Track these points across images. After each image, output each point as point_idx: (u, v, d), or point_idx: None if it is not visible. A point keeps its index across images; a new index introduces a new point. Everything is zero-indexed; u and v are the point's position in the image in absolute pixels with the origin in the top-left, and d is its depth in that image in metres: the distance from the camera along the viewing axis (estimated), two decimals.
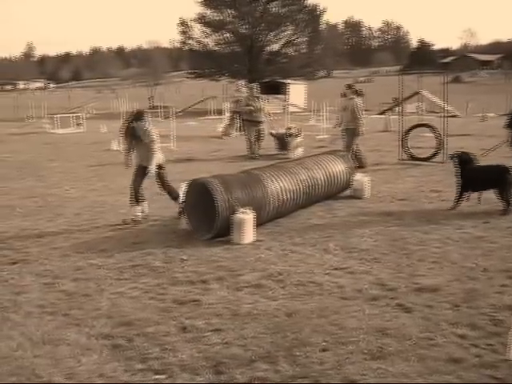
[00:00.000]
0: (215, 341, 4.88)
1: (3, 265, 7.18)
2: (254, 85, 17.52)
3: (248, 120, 16.69)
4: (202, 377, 4.30)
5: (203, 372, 4.37)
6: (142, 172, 9.17)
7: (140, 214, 9.23)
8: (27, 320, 5.48)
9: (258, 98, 16.81)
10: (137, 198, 9.24)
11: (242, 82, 24.78)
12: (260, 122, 16.50)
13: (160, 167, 9.22)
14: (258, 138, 16.59)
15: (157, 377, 4.34)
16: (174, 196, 9.38)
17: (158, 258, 7.25)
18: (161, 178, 9.34)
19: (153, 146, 8.99)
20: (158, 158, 9.17)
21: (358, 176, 10.73)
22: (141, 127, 8.99)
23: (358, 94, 14.29)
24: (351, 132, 13.56)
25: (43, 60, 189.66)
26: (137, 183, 9.25)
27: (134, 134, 9.00)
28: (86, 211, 10.05)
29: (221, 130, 24.07)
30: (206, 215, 8.04)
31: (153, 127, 9.22)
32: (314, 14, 58.48)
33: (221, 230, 7.83)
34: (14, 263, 7.24)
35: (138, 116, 9.16)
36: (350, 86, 14.21)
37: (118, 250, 7.58)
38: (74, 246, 7.95)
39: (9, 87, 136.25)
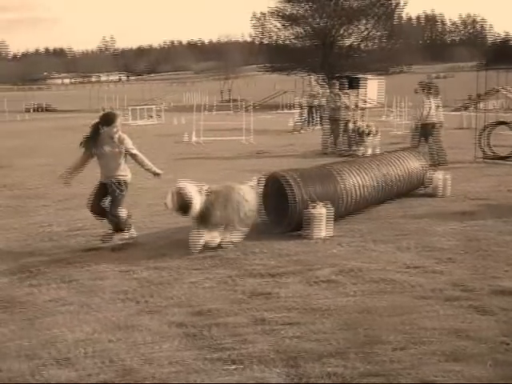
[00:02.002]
0: (288, 334, 4.87)
1: (80, 251, 7.42)
2: (337, 81, 17.05)
3: (327, 117, 16.37)
4: (274, 369, 4.31)
5: (275, 365, 4.37)
6: (103, 189, 7.61)
7: (126, 237, 7.69)
8: (104, 306, 5.64)
9: (340, 94, 16.30)
10: (100, 214, 7.65)
11: (315, 77, 24.56)
12: (338, 120, 16.03)
13: (125, 186, 7.64)
14: (336, 135, 16.15)
15: (229, 367, 4.38)
16: (118, 227, 7.65)
17: (231, 249, 7.32)
18: (116, 200, 7.54)
19: (137, 157, 7.69)
20: (127, 175, 7.71)
21: (434, 174, 10.51)
22: (111, 134, 7.35)
23: (430, 90, 13.93)
24: (421, 128, 13.45)
25: (120, 53, 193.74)
26: (116, 210, 7.51)
27: (100, 143, 7.37)
28: (160, 202, 10.17)
29: (293, 124, 24.03)
30: (280, 209, 8.05)
31: (125, 135, 7.63)
32: (391, 8, 57.44)
33: (294, 225, 7.83)
34: (91, 250, 7.45)
35: (107, 120, 7.44)
36: (421, 83, 13.99)
37: None
38: (147, 235, 8.12)
39: (87, 79, 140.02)
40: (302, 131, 22.54)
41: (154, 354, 4.58)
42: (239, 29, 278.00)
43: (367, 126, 15.90)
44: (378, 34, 56.52)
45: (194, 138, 19.45)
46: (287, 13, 56.00)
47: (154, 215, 9.29)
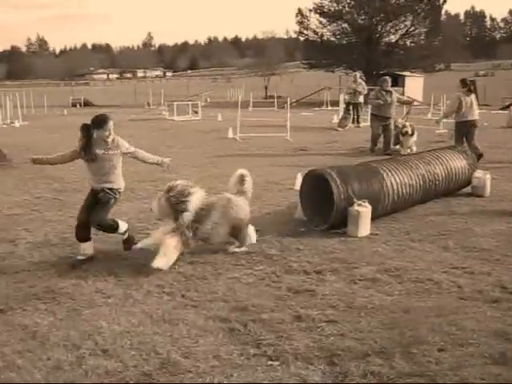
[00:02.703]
0: (330, 332, 4.86)
1: (122, 244, 7.48)
2: (387, 78, 16.61)
3: (375, 114, 15.99)
4: (316, 367, 4.30)
5: (317, 362, 4.37)
6: (95, 198, 7.00)
7: (88, 251, 6.96)
8: (147, 298, 5.70)
9: (389, 91, 15.79)
10: (85, 234, 6.96)
11: (359, 74, 24.32)
12: (388, 118, 15.59)
13: (118, 194, 7.10)
14: (385, 134, 15.69)
15: (271, 363, 4.38)
16: (112, 231, 7.10)
17: (274, 246, 7.32)
18: (105, 208, 6.94)
19: (137, 154, 7.26)
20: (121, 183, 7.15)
21: (479, 173, 10.33)
22: (103, 137, 6.79)
23: (469, 89, 13.65)
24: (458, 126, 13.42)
25: (161, 49, 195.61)
26: (101, 219, 6.86)
27: (92, 146, 6.77)
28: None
29: (337, 121, 23.89)
30: (322, 206, 8.02)
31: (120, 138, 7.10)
32: (435, 4, 56.58)
33: (336, 222, 7.79)
34: (135, 243, 7.52)
35: (98, 122, 6.84)
36: (462, 81, 13.75)
37: None
38: None
39: (129, 75, 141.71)
40: (345, 128, 22.38)
41: (197, 348, 4.61)
42: (283, 25, 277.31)
43: (403, 127, 15.64)
44: (420, 30, 55.75)
45: (237, 134, 19.50)
46: (332, 9, 55.67)
47: None
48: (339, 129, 22.27)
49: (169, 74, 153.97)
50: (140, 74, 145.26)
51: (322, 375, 4.20)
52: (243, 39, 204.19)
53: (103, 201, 6.87)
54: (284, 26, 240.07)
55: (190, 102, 33.17)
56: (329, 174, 7.92)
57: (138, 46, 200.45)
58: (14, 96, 31.59)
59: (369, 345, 4.62)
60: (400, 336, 4.78)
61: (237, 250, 7.07)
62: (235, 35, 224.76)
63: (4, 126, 26.40)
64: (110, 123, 6.86)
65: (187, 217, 6.59)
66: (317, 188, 8.15)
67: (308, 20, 58.09)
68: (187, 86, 59.74)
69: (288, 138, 18.85)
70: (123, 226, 7.16)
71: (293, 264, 6.61)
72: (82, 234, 6.92)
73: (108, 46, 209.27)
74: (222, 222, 6.83)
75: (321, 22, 57.31)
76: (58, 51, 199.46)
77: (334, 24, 56.59)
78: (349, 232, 7.73)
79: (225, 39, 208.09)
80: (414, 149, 15.35)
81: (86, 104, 47.86)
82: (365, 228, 7.72)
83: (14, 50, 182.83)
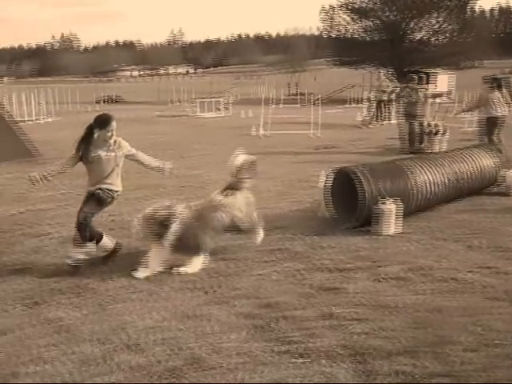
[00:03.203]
0: (356, 330, 4.83)
1: None
2: (414, 76, 16.36)
3: (403, 113, 15.78)
4: (342, 365, 4.27)
5: (343, 360, 4.34)
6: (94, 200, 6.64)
7: (82, 256, 6.55)
8: (172, 294, 5.73)
9: (416, 89, 15.56)
10: (87, 237, 6.57)
11: (384, 71, 24.18)
12: (415, 116, 15.35)
13: (116, 196, 6.74)
14: (411, 132, 15.40)
15: (296, 360, 4.37)
16: (84, 236, 6.53)
17: (299, 243, 7.30)
18: (99, 209, 6.69)
19: (138, 156, 6.84)
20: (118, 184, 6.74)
21: (507, 172, 10.19)
22: (105, 137, 6.52)
23: (494, 85, 13.45)
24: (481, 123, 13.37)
25: (188, 46, 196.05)
26: (87, 215, 6.49)
27: (93, 147, 6.50)
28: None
29: (361, 119, 23.79)
30: (348, 204, 7.98)
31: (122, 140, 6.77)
32: (463, 1, 55.94)
33: (362, 220, 7.75)
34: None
35: (101, 122, 6.57)
36: (485, 78, 13.61)
37: None
38: None
39: (155, 72, 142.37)
40: (370, 126, 22.26)
41: (222, 344, 4.61)
42: (307, 22, 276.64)
43: (435, 126, 15.41)
44: (450, 27, 55.15)
45: (261, 131, 19.49)
46: (357, 6, 55.43)
47: None
48: (363, 126, 22.18)
49: (194, 70, 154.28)
50: (167, 70, 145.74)
51: (348, 373, 4.17)
52: (270, 36, 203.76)
53: (98, 197, 6.51)
54: (309, 23, 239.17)
55: (215, 99, 33.24)
56: (355, 171, 7.88)
57: (165, 43, 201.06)
58: (45, 92, 31.96)
59: (395, 344, 4.58)
60: (426, 335, 4.73)
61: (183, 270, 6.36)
62: (261, 32, 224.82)
63: (33, 122, 26.67)
64: (113, 123, 6.57)
65: (169, 240, 6.25)
66: (343, 185, 8.11)
67: (333, 17, 57.92)
68: (213, 83, 59.81)
69: (312, 135, 18.80)
70: (108, 243, 6.80)
71: (318, 262, 6.59)
72: (94, 234, 6.65)
73: (135, 43, 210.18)
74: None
75: (345, 19, 57.12)
76: (86, 48, 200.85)
77: (360, 21, 56.33)
78: (375, 230, 7.69)
79: (251, 36, 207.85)
80: (444, 148, 15.15)
81: (114, 100, 48.24)
82: (391, 226, 7.66)
83: (43, 47, 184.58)
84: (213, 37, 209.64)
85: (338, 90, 46.07)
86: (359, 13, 55.30)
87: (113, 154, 6.55)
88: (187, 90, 42.20)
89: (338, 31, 57.87)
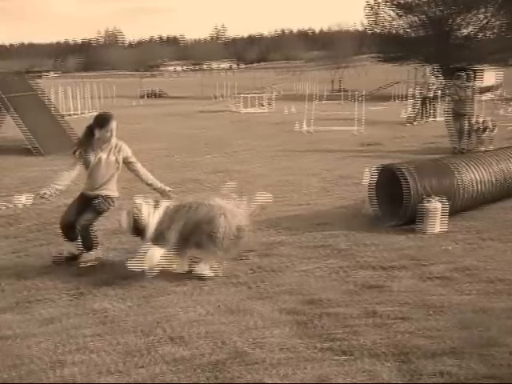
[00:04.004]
0: (400, 329, 4.78)
1: None
2: (463, 73, 15.90)
3: (451, 111, 15.18)
4: (385, 363, 4.24)
5: (387, 359, 4.30)
6: (86, 203, 6.40)
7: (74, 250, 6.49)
8: (215, 288, 5.75)
9: (464, 87, 14.95)
10: (90, 246, 6.43)
11: (429, 68, 23.78)
12: (464, 115, 14.84)
13: (113, 203, 6.53)
14: (460, 130, 14.91)
15: (340, 357, 4.34)
16: (89, 245, 6.43)
17: (343, 240, 7.27)
18: (97, 217, 6.46)
19: (137, 167, 6.47)
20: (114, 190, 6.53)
21: None
22: (105, 138, 6.25)
23: None
24: None
25: (231, 41, 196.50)
26: (87, 224, 6.30)
27: (93, 148, 6.28)
28: (272, 189, 10.24)
29: (406, 116, 23.49)
30: (392, 201, 7.90)
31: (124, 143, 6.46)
32: None
33: (407, 218, 7.66)
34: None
35: (100, 121, 6.28)
36: None
37: (302, 230, 7.72)
38: (260, 221, 8.16)
39: (198, 67, 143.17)
40: (415, 123, 21.96)
41: (266, 339, 4.62)
42: (351, 18, 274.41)
43: (483, 122, 15.06)
44: (498, 22, 53.88)
45: (304, 127, 19.44)
46: (402, 1, 54.58)
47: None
48: (408, 124, 21.89)
49: (237, 66, 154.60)
50: (209, 66, 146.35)
51: (391, 372, 4.13)
52: (313, 32, 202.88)
53: (98, 208, 6.33)
54: (353, 19, 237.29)
55: (258, 95, 33.26)
56: (400, 168, 7.79)
57: (208, 39, 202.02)
58: (90, 87, 32.41)
59: (440, 344, 4.52)
60: (472, 336, 4.66)
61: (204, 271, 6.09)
62: (304, 28, 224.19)
63: (78, 116, 27.08)
64: (113, 123, 6.26)
65: (148, 237, 6.00)
66: (388, 183, 8.03)
67: (378, 13, 57.23)
68: (255, 79, 59.84)
69: (356, 132, 18.67)
70: (98, 253, 6.56)
71: (362, 259, 6.55)
72: (71, 235, 6.38)
73: (178, 39, 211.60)
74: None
75: (390, 15, 56.36)
76: (130, 43, 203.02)
77: (405, 17, 55.51)
78: (419, 229, 7.59)
79: (294, 32, 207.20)
80: (491, 147, 14.78)
81: (157, 95, 48.63)
82: (436, 225, 7.55)
83: (88, 43, 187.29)
84: (256, 32, 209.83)
85: (382, 87, 45.57)
86: (405, 8, 54.45)
87: (113, 157, 6.30)
88: (230, 86, 42.27)
89: (383, 27, 57.10)
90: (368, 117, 22.36)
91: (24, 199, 9.33)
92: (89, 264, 6.37)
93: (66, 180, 6.25)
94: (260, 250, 6.88)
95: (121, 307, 5.31)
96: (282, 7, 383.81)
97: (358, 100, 21.25)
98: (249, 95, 32.65)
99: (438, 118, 21.51)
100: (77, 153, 6.28)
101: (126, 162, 6.40)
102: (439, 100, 22.18)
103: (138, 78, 68.79)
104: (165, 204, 6.14)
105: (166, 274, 6.05)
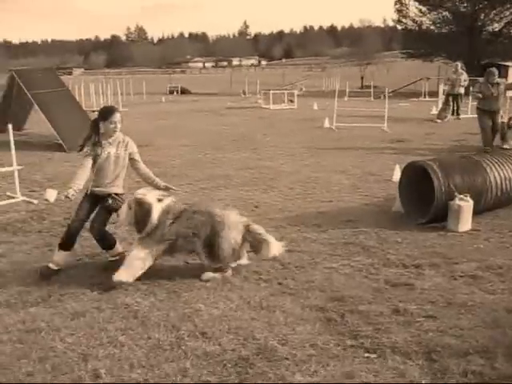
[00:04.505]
0: (429, 327, 4.75)
1: None
2: (493, 70, 15.51)
3: (481, 109, 14.74)
4: (415, 362, 4.21)
5: (415, 357, 4.28)
6: (95, 202, 6.28)
7: (62, 263, 6.19)
8: (245, 284, 5.77)
9: (495, 84, 14.49)
10: (71, 243, 6.20)
11: (461, 64, 23.45)
12: (495, 112, 14.44)
13: (122, 201, 6.26)
14: (493, 129, 14.44)
15: (368, 355, 4.33)
16: (109, 244, 6.37)
17: (371, 237, 7.24)
18: (109, 217, 6.33)
19: (139, 165, 6.37)
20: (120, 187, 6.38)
21: None
22: (109, 130, 6.15)
23: None
24: None
25: (257, 38, 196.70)
26: (101, 228, 6.19)
27: (100, 143, 6.13)
28: (299, 186, 10.30)
29: (436, 113, 23.25)
30: (421, 199, 7.85)
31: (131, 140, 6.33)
32: None
33: (436, 216, 7.59)
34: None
35: (103, 114, 6.19)
36: None
37: (331, 226, 7.70)
38: (287, 218, 8.20)
39: (224, 63, 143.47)
40: (445, 120, 21.72)
41: (294, 336, 4.63)
42: (380, 13, 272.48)
43: (510, 119, 14.82)
44: None
45: (333, 124, 19.38)
46: None
47: (293, 198, 9.37)
48: (438, 120, 21.65)
49: (264, 62, 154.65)
50: (235, 62, 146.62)
51: (420, 371, 4.11)
52: (339, 28, 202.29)
53: (110, 208, 6.20)
54: (381, 15, 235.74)
55: (285, 91, 33.21)
56: (430, 166, 7.73)
57: (234, 35, 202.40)
58: (114, 83, 32.63)
59: (469, 343, 4.48)
60: (502, 336, 4.60)
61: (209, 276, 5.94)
62: (331, 24, 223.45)
63: None
64: (117, 115, 6.11)
65: (149, 228, 5.84)
66: (417, 180, 7.97)
67: (407, 8, 56.67)
68: (282, 75, 59.78)
69: (385, 128, 18.56)
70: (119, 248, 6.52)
71: (391, 257, 6.51)
72: (71, 243, 6.22)
73: (204, 35, 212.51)
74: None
75: (420, 10, 55.76)
76: (155, 40, 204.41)
77: (435, 12, 54.87)
78: (449, 227, 7.52)
79: (320, 28, 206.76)
80: None
81: (184, 91, 48.73)
82: (466, 223, 7.49)
83: (114, 39, 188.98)
84: (284, 28, 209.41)
85: (411, 83, 45.14)
86: (434, 4, 53.86)
87: (122, 152, 6.21)
88: (258, 82, 42.26)
89: (413, 22, 56.57)
90: (398, 113, 22.24)
91: (48, 195, 9.41)
92: (117, 257, 6.34)
93: (83, 178, 6.05)
94: (288, 246, 6.86)
95: (150, 301, 5.36)
96: (310, 3, 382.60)
97: (387, 96, 21.05)
98: (277, 91, 32.64)
99: (469, 115, 21.27)
100: (84, 149, 6.12)
101: (130, 159, 6.32)
102: (470, 96, 21.90)
103: (165, 75, 69.17)
104: (168, 200, 6.02)
105: (193, 270, 6.10)
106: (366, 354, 4.35)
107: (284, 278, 5.89)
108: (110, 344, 4.54)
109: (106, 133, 6.14)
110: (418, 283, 5.71)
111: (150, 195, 5.94)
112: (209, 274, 5.89)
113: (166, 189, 6.28)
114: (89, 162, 6.08)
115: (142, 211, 5.82)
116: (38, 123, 17.92)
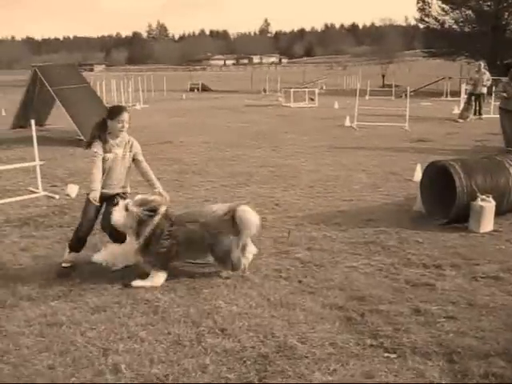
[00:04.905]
0: (449, 328, 4.71)
1: None
2: None
3: (503, 108, 14.47)
4: (436, 363, 4.18)
5: (435, 358, 4.25)
6: (102, 203, 6.15)
7: (74, 260, 6.26)
8: (264, 282, 5.77)
9: None
10: (81, 245, 6.24)
11: (482, 63, 23.25)
12: None
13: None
14: None
15: (388, 355, 4.31)
16: (121, 239, 6.21)
17: (392, 237, 7.20)
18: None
19: (143, 164, 6.31)
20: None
21: None
22: (115, 130, 6.06)
23: None
24: None
25: (278, 36, 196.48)
26: (112, 229, 6.07)
27: (108, 143, 6.05)
28: (320, 184, 10.28)
29: (458, 112, 23.08)
30: (442, 199, 7.79)
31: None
32: None
33: (458, 216, 7.53)
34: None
35: (111, 113, 6.12)
36: None
37: (351, 225, 7.68)
38: (308, 216, 8.19)
39: (245, 61, 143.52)
40: (467, 120, 21.55)
41: (314, 334, 4.62)
42: (402, 12, 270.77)
43: None
44: None
45: (355, 123, 19.32)
46: None
47: (314, 197, 9.35)
48: (460, 120, 21.49)
49: (284, 60, 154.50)
50: (256, 60, 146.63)
51: (440, 372, 4.07)
52: (361, 26, 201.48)
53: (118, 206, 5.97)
54: (403, 13, 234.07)
55: (306, 89, 33.18)
56: (452, 166, 7.66)
57: (255, 33, 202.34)
58: (135, 80, 32.81)
59: (490, 345, 4.44)
60: None
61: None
62: (352, 22, 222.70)
63: (132, 107, 27.46)
64: (125, 115, 6.02)
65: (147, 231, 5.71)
66: (438, 180, 7.91)
67: (430, 6, 56.27)
68: (303, 73, 59.68)
69: (406, 128, 18.46)
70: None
71: (411, 257, 6.47)
72: (81, 245, 6.25)
73: (225, 33, 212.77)
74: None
75: (443, 9, 55.35)
76: (176, 37, 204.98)
77: (458, 11, 54.42)
78: (470, 227, 7.46)
79: (342, 26, 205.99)
80: None
81: (204, 89, 48.88)
82: (488, 224, 7.42)
83: (136, 36, 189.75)
84: (305, 26, 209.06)
85: (433, 82, 44.85)
86: (458, 2, 53.41)
87: (127, 153, 6.16)
88: (279, 80, 42.26)
89: (436, 21, 56.16)
90: (419, 113, 22.11)
91: (70, 190, 9.52)
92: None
93: (100, 179, 5.99)
94: (308, 245, 6.88)
95: (171, 297, 5.37)
96: (331, 1, 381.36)
97: (408, 95, 20.94)
98: (298, 89, 32.63)
99: (491, 115, 21.09)
100: (94, 148, 6.00)
101: (134, 159, 6.26)
102: (493, 96, 21.74)
103: (186, 72, 69.34)
104: (163, 210, 5.81)
105: (213, 267, 6.12)
106: (386, 354, 4.32)
107: (304, 276, 5.88)
108: (130, 339, 4.56)
109: (113, 132, 6.05)
110: (439, 284, 5.68)
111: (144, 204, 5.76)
112: (229, 272, 5.90)
113: (160, 194, 6.11)
114: (100, 161, 5.98)
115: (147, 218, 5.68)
116: (59, 119, 18.05)
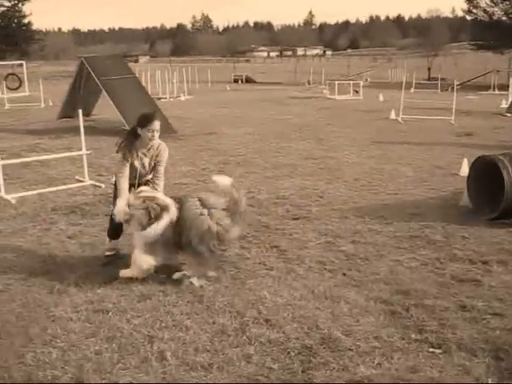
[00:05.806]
0: (496, 325, 4.64)
1: (287, 219, 7.65)
2: None
3: None
4: (480, 359, 4.13)
5: (482, 355, 4.19)
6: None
7: (115, 247, 6.36)
8: (309, 274, 5.78)
9: None
10: (117, 232, 6.29)
11: None
12: None
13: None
14: None
15: (433, 350, 4.28)
16: None
17: (438, 232, 7.11)
18: None
19: (160, 175, 6.05)
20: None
21: None
22: (146, 138, 5.89)
23: None
24: None
25: (322, 28, 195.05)
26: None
27: (137, 150, 5.94)
28: (365, 177, 10.21)
29: (506, 106, 22.61)
30: (490, 194, 7.65)
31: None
32: None
33: (506, 212, 7.39)
34: (297, 219, 7.65)
35: (142, 120, 5.90)
36: None
37: (396, 219, 7.62)
38: (352, 209, 8.16)
39: (289, 53, 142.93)
40: None
41: (359, 327, 4.61)
42: (449, 3, 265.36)
43: None
44: None
45: (400, 116, 19.10)
46: None
47: (358, 190, 9.30)
48: (508, 114, 21.06)
49: (329, 52, 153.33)
50: (300, 52, 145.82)
51: (486, 369, 4.02)
52: (406, 18, 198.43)
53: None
54: (450, 5, 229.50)
55: (351, 82, 32.94)
56: (500, 160, 7.52)
57: (299, 24, 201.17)
58: (179, 71, 33.02)
59: None
60: None
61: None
62: (398, 14, 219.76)
63: (171, 99, 27.69)
64: (156, 123, 5.82)
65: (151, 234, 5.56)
66: (486, 175, 7.77)
67: None
68: (347, 66, 59.21)
69: (453, 121, 18.17)
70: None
71: (457, 252, 6.39)
72: (118, 232, 6.29)
73: (269, 24, 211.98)
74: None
75: (492, 0, 54.22)
76: (221, 28, 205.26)
77: (507, 2, 53.24)
78: None
79: (387, 18, 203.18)
80: None
81: (248, 80, 48.92)
82: None
83: (180, 27, 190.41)
84: (349, 18, 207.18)
85: (480, 75, 44.01)
86: None
87: (153, 161, 6.00)
88: (323, 72, 42.01)
89: (484, 12, 55.05)
90: (466, 106, 21.74)
91: (114, 179, 9.60)
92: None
93: (128, 188, 5.89)
94: (353, 238, 6.85)
95: (217, 288, 5.41)
96: None
97: (455, 89, 20.59)
98: (343, 81, 32.42)
99: None
100: (122, 156, 5.92)
101: (157, 166, 6.03)
102: None
103: (230, 63, 69.51)
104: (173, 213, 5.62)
105: (257, 257, 6.14)
106: (431, 349, 4.29)
107: (348, 269, 5.87)
108: (175, 327, 4.62)
109: (143, 140, 5.89)
110: (486, 280, 5.60)
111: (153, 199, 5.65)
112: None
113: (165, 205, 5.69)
114: (127, 169, 5.90)
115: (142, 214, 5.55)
116: (105, 109, 18.29)
